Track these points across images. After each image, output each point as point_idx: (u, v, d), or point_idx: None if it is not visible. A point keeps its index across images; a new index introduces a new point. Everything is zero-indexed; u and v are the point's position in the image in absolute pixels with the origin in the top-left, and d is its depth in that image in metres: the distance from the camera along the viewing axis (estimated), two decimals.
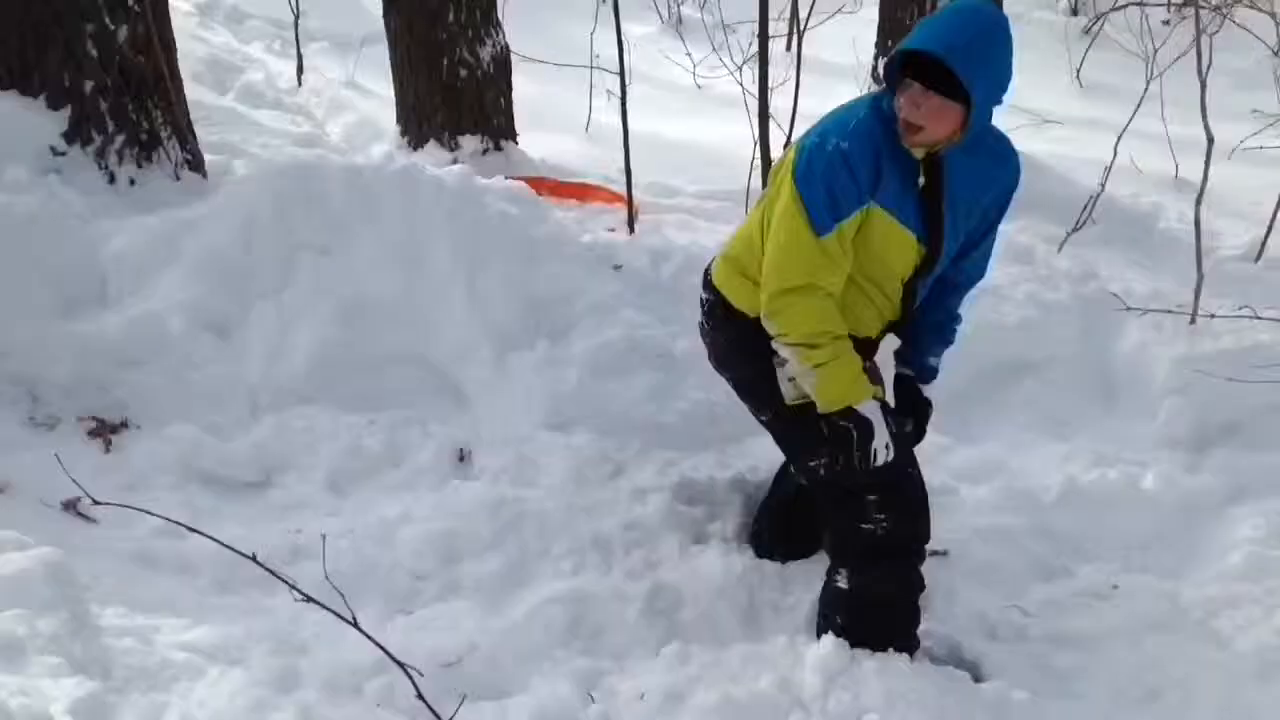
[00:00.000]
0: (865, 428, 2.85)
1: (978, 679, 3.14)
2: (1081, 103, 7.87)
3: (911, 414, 3.20)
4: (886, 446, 2.87)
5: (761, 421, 3.17)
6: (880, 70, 2.78)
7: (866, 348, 3.05)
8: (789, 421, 3.03)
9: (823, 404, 2.86)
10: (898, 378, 3.22)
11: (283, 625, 3.02)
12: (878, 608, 3.10)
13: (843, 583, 3.11)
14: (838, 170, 2.74)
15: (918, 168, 2.82)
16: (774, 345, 2.89)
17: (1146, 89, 5.61)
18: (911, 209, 2.84)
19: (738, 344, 3.08)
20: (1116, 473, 3.98)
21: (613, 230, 5.00)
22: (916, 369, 3.21)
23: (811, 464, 3.03)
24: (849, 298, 2.92)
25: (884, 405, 2.96)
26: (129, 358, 3.84)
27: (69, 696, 2.46)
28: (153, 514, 3.17)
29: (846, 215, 2.76)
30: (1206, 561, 3.70)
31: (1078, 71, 8.63)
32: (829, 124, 2.84)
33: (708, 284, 3.15)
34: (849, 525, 3.04)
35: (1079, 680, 3.18)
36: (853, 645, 3.06)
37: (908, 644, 3.13)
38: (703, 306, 3.18)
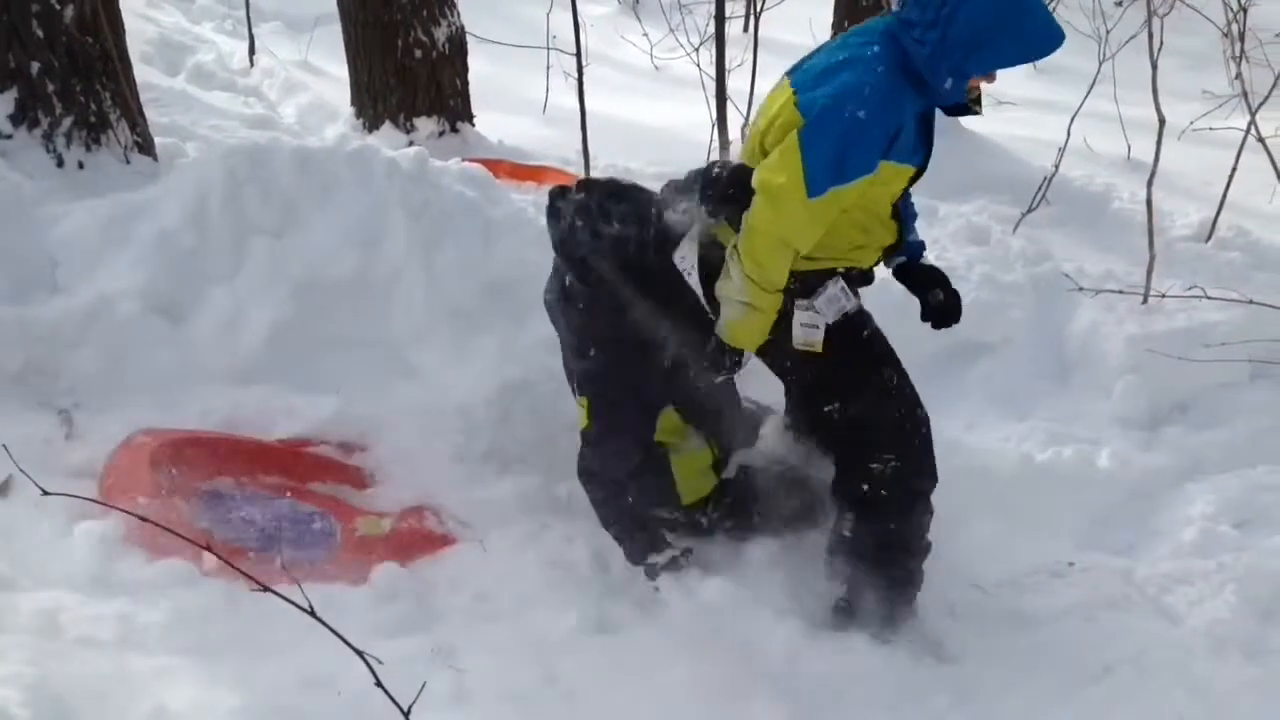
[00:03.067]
0: (740, 363, 3.08)
1: (939, 658, 3.17)
2: (1035, 84, 7.93)
3: (937, 284, 3.31)
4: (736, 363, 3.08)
5: (781, 368, 3.24)
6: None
7: (866, 278, 3.19)
8: (805, 367, 3.11)
9: (731, 336, 3.02)
10: (900, 267, 3.32)
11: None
12: (887, 549, 3.18)
13: (850, 528, 3.20)
14: (849, 142, 2.80)
15: (926, 105, 2.93)
16: (728, 252, 2.95)
17: (1099, 70, 5.65)
18: (913, 146, 2.94)
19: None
20: (1071, 451, 4.03)
21: None
22: (910, 249, 3.31)
23: (827, 407, 3.14)
24: (853, 237, 3.04)
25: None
26: (79, 342, 3.78)
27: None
28: (104, 504, 3.18)
29: (846, 182, 2.83)
30: (1160, 538, 3.75)
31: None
32: (845, 84, 2.82)
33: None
34: (858, 466, 3.13)
35: (1036, 657, 3.21)
36: (864, 589, 3.17)
37: (914, 581, 3.24)
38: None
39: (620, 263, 3.09)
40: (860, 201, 2.94)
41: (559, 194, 3.20)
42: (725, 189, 2.98)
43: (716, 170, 3.04)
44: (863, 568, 3.20)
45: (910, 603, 3.25)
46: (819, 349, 3.06)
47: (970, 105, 2.95)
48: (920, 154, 2.98)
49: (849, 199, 2.88)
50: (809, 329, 3.05)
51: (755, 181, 2.89)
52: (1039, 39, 2.79)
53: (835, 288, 3.05)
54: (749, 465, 3.44)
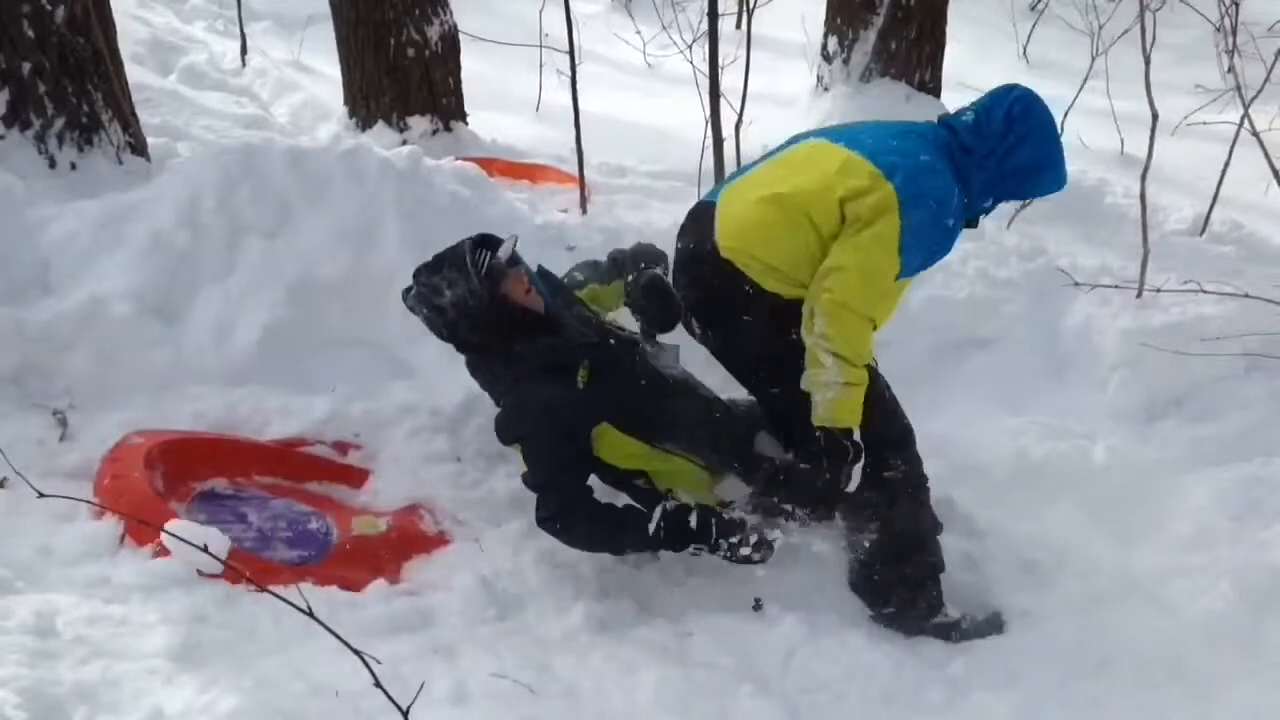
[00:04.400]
0: (859, 451, 3.08)
1: (935, 653, 3.18)
2: (1028, 79, 7.79)
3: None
4: (858, 472, 3.10)
5: (771, 394, 3.29)
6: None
7: None
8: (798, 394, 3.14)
9: (833, 418, 3.06)
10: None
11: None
12: (915, 548, 3.30)
13: (870, 539, 3.29)
14: (937, 244, 3.14)
15: None
16: (808, 340, 3.05)
17: (1092, 65, 5.66)
18: None
19: (770, 321, 3.16)
20: (1067, 445, 4.04)
21: (565, 211, 4.98)
22: None
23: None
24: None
25: None
26: (73, 344, 3.77)
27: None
28: (100, 505, 3.18)
29: (914, 275, 3.14)
30: (1155, 532, 3.76)
31: (1024, 48, 8.69)
32: (943, 189, 3.10)
33: (723, 264, 3.19)
34: (873, 478, 3.17)
35: (1033, 651, 3.22)
36: (895, 596, 3.29)
37: (939, 589, 3.33)
38: (714, 284, 3.21)
39: (471, 320, 3.12)
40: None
41: (405, 294, 3.27)
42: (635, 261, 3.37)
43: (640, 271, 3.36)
44: (894, 571, 3.29)
45: (939, 585, 3.35)
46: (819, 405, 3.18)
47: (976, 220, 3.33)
48: None
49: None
50: None
51: (845, 260, 3.03)
52: (1058, 182, 3.29)
53: None
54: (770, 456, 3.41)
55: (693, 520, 3.08)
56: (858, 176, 3.06)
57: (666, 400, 3.24)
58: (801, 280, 3.11)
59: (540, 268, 3.35)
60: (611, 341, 3.24)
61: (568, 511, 3.10)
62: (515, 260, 3.15)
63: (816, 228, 3.08)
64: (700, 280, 3.29)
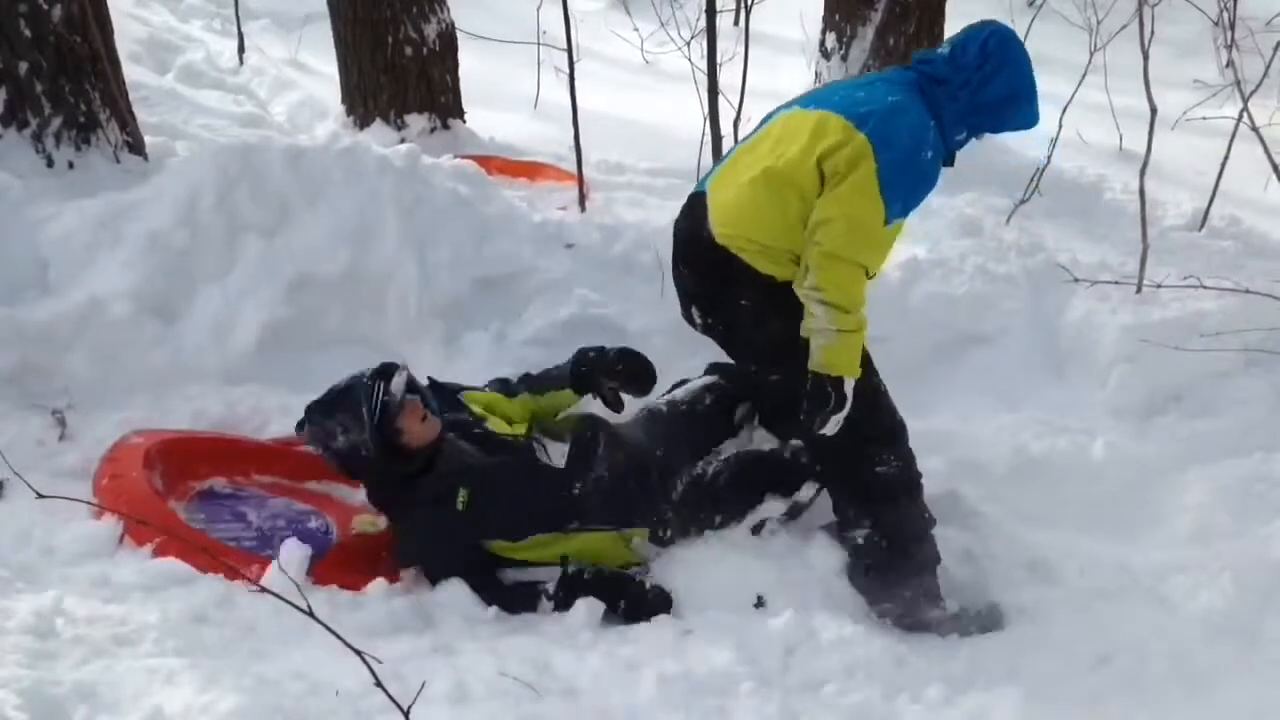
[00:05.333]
0: (842, 400, 3.11)
1: (934, 649, 3.18)
2: None
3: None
4: (839, 421, 3.14)
5: (769, 380, 3.33)
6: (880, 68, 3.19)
7: None
8: (796, 376, 3.16)
9: (825, 365, 3.10)
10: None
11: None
12: (911, 545, 3.31)
13: (864, 535, 3.31)
14: (923, 180, 3.15)
15: None
16: (800, 294, 3.08)
17: (1090, 61, 5.65)
18: None
19: (767, 304, 3.19)
20: (1066, 442, 4.03)
21: (563, 209, 4.98)
22: None
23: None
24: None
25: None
26: (72, 344, 3.77)
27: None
28: (99, 506, 3.17)
29: (904, 216, 3.14)
30: (1155, 528, 3.76)
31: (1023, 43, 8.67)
32: (914, 124, 3.11)
33: (719, 250, 3.22)
34: (864, 474, 3.25)
35: (1033, 647, 3.22)
36: (892, 593, 3.30)
37: (936, 582, 3.34)
38: (712, 271, 3.26)
39: (363, 464, 3.24)
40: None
41: (298, 426, 3.34)
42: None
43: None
44: (891, 567, 3.30)
45: (935, 579, 3.35)
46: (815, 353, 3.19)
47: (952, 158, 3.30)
48: None
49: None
50: None
51: (829, 211, 3.05)
52: (1034, 115, 3.30)
53: None
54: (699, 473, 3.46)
55: (589, 581, 3.20)
56: (832, 133, 3.09)
57: (563, 492, 3.30)
58: (795, 253, 3.13)
59: (431, 380, 3.45)
60: (496, 457, 3.31)
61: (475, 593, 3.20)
62: (412, 387, 3.24)
63: (801, 194, 3.11)
64: (699, 268, 3.33)
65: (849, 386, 3.12)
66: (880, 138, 3.05)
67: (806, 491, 3.44)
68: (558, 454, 3.41)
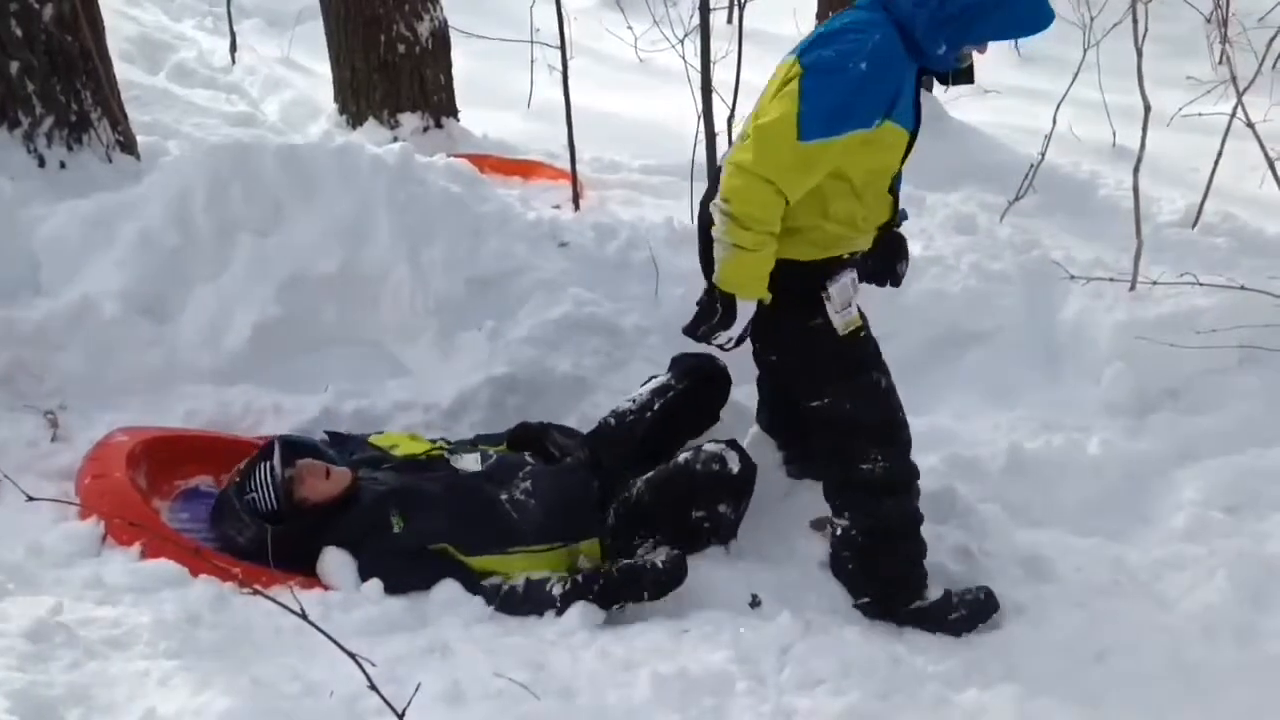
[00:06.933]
0: (730, 316, 3.05)
1: (930, 647, 3.17)
2: (1020, 72, 7.93)
3: (901, 255, 3.45)
4: (729, 341, 3.11)
5: (769, 361, 3.31)
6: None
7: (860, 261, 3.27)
8: (793, 361, 3.17)
9: (720, 279, 3.03)
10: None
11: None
12: (888, 544, 3.27)
13: (843, 528, 3.29)
14: (852, 92, 2.89)
15: (919, 71, 3.04)
16: (712, 204, 3.01)
17: (1084, 57, 5.65)
18: (911, 110, 3.05)
19: (783, 293, 3.11)
20: (1061, 439, 4.03)
21: (557, 207, 4.97)
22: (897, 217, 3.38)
23: (814, 404, 3.22)
24: (852, 211, 3.09)
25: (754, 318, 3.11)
26: (64, 344, 3.76)
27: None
28: (91, 509, 3.16)
29: (840, 134, 2.91)
30: (1151, 525, 3.76)
31: (1015, 41, 8.68)
32: (847, 43, 2.93)
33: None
34: (848, 468, 3.23)
35: (1028, 644, 3.21)
36: (869, 588, 3.28)
37: (921, 575, 3.31)
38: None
39: (280, 536, 3.19)
40: (873, 166, 3.05)
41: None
42: None
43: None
44: (866, 560, 3.29)
45: (922, 572, 3.32)
46: (860, 322, 3.20)
47: (962, 73, 3.07)
48: (914, 120, 3.07)
49: (835, 157, 2.94)
50: (844, 313, 3.16)
51: (749, 126, 2.97)
52: (1028, 17, 2.94)
53: (846, 278, 3.17)
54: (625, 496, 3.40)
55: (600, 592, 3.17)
56: (787, 73, 3.01)
57: (495, 505, 3.30)
58: (796, 224, 3.05)
59: (330, 434, 3.52)
60: (411, 472, 3.33)
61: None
62: (297, 452, 3.26)
63: None
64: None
65: (746, 308, 3.04)
66: (810, 60, 2.94)
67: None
68: (472, 465, 3.45)
